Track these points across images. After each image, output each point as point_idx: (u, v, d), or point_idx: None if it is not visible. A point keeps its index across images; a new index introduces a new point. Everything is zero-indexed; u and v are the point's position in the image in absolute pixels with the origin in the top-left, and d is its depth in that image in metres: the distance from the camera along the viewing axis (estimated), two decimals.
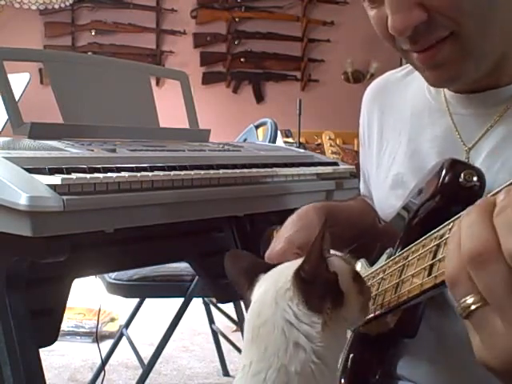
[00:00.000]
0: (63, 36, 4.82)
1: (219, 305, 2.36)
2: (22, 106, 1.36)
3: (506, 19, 0.69)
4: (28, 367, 1.14)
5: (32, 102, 1.88)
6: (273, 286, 0.58)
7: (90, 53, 4.44)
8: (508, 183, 0.44)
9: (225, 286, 1.64)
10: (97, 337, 2.45)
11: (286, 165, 1.47)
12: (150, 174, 1.10)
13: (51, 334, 1.28)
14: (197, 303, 2.28)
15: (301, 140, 3.57)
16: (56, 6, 4.71)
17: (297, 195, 1.42)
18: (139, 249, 1.50)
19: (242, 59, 4.98)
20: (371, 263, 0.78)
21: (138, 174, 1.08)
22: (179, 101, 1.70)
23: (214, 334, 2.45)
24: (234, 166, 1.32)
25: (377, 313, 0.66)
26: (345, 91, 4.81)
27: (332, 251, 0.62)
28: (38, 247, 0.98)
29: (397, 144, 0.87)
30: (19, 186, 0.92)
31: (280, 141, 2.79)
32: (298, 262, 0.58)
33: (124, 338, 2.19)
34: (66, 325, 2.78)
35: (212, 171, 1.24)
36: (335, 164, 1.65)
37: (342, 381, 0.76)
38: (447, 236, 0.52)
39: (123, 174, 1.06)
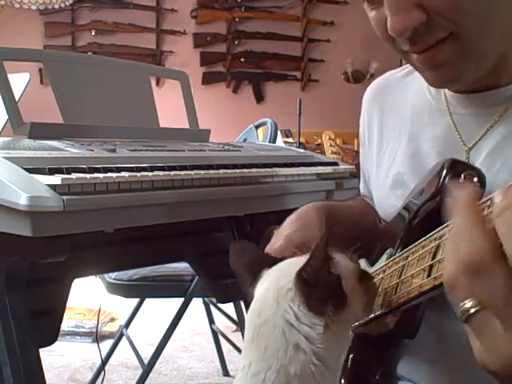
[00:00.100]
0: (63, 36, 4.82)
1: (219, 305, 2.36)
2: (22, 105, 1.36)
3: (505, 19, 0.69)
4: (28, 367, 1.14)
5: (32, 102, 1.88)
6: (275, 285, 0.57)
7: (90, 53, 4.44)
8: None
9: (225, 286, 1.64)
10: (97, 337, 2.45)
11: (286, 165, 1.47)
12: (150, 174, 1.10)
13: (51, 334, 1.28)
14: (197, 303, 2.28)
15: (301, 140, 3.57)
16: (56, 6, 4.71)
17: (297, 195, 1.42)
18: (139, 249, 1.50)
19: (241, 59, 4.99)
20: (371, 263, 0.78)
21: (138, 174, 1.08)
22: (179, 101, 1.70)
23: (214, 334, 2.45)
24: (234, 166, 1.32)
25: (377, 313, 0.66)
26: (345, 91, 4.81)
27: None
28: (38, 247, 0.98)
29: (397, 144, 0.87)
30: (19, 186, 0.92)
31: (280, 141, 2.79)
32: (303, 259, 0.57)
33: (124, 338, 2.19)
34: (65, 325, 2.78)
35: (212, 171, 1.24)
36: (335, 164, 1.65)
37: (342, 381, 0.76)
38: (447, 237, 0.52)
39: (123, 173, 1.06)
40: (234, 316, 2.29)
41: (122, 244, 1.40)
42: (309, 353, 0.54)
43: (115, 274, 1.92)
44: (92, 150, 1.21)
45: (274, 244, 0.79)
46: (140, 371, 1.96)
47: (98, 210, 1.01)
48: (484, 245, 0.41)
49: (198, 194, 1.19)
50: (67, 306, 1.33)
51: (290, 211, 0.85)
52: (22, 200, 0.90)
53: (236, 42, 4.98)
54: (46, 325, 1.27)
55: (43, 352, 1.23)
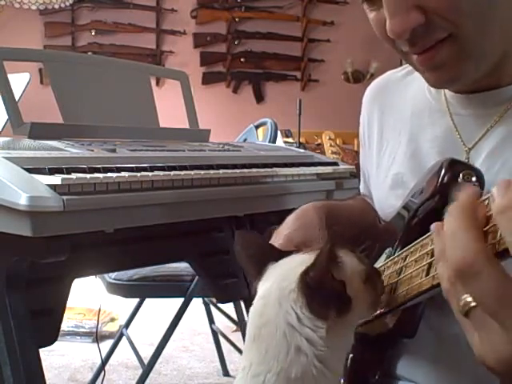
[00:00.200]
0: (63, 36, 4.82)
1: (219, 305, 2.36)
2: (22, 106, 1.36)
3: (505, 17, 0.68)
4: (28, 367, 1.14)
5: (32, 102, 1.88)
6: (278, 285, 0.56)
7: (90, 53, 4.44)
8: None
9: (225, 286, 1.64)
10: (97, 337, 2.45)
11: (286, 165, 1.47)
12: (150, 174, 1.10)
13: (51, 334, 1.28)
14: (197, 303, 2.28)
15: (301, 140, 3.57)
16: (56, 6, 4.71)
17: (297, 195, 1.42)
18: (139, 249, 1.50)
19: (242, 59, 4.99)
20: (371, 263, 0.78)
21: (138, 174, 1.08)
22: (179, 101, 1.70)
23: (214, 334, 2.45)
24: (234, 166, 1.32)
25: (376, 313, 0.66)
26: (345, 91, 4.81)
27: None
28: (38, 247, 0.98)
29: (397, 144, 0.87)
30: (19, 186, 0.92)
31: (280, 141, 2.79)
32: (308, 258, 0.57)
33: (124, 338, 2.19)
34: (65, 325, 2.78)
35: (212, 171, 1.24)
36: (335, 164, 1.65)
37: (342, 381, 0.76)
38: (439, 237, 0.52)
39: (123, 173, 1.06)
40: (234, 316, 2.29)
41: (122, 244, 1.40)
42: (310, 356, 0.53)
43: (115, 274, 1.92)
44: (92, 150, 1.21)
45: (274, 244, 0.79)
46: (140, 371, 1.96)
47: (97, 210, 1.01)
48: (474, 249, 0.41)
49: (198, 194, 1.19)
50: (67, 306, 1.33)
51: (290, 211, 0.85)
52: (22, 200, 0.90)
53: (236, 42, 4.98)
54: (46, 325, 1.27)
55: (43, 352, 1.23)
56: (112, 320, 2.94)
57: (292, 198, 1.40)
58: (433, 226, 0.48)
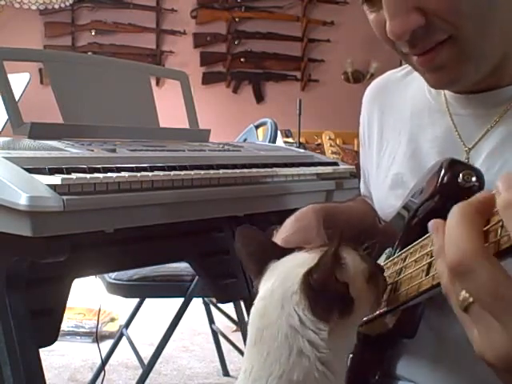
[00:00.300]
0: (63, 36, 4.82)
1: (219, 305, 2.36)
2: (22, 106, 1.36)
3: (505, 19, 0.68)
4: (28, 367, 1.14)
5: (32, 102, 1.88)
6: (280, 286, 0.56)
7: (90, 53, 4.45)
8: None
9: (225, 286, 1.64)
10: (97, 337, 2.45)
11: (286, 165, 1.47)
12: (150, 174, 1.10)
13: (51, 334, 1.28)
14: (197, 303, 2.28)
15: (301, 140, 3.57)
16: (56, 6, 4.71)
17: (297, 195, 1.42)
18: (139, 249, 1.50)
19: (242, 59, 4.99)
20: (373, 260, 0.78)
21: (138, 174, 1.08)
22: (179, 101, 1.70)
23: (214, 334, 2.45)
24: (234, 166, 1.32)
25: (376, 313, 0.66)
26: (345, 91, 4.81)
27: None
28: (38, 247, 0.98)
29: (397, 144, 0.87)
30: (19, 186, 0.93)
31: (280, 141, 2.79)
32: (310, 256, 0.56)
33: (124, 338, 2.19)
34: (66, 325, 2.78)
35: (212, 171, 1.24)
36: (335, 164, 1.65)
37: None
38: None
39: (123, 173, 1.06)
40: (234, 316, 2.29)
41: (122, 244, 1.40)
42: (312, 358, 0.53)
43: (115, 274, 1.92)
44: (92, 150, 1.21)
45: None
46: (140, 371, 1.96)
47: (98, 210, 1.01)
48: (469, 246, 0.41)
49: (198, 194, 1.19)
50: (67, 305, 1.33)
51: (290, 211, 0.85)
52: (22, 200, 0.90)
53: (236, 42, 4.98)
54: (46, 325, 1.27)
55: (43, 352, 1.23)
56: (112, 320, 2.94)
57: (292, 198, 1.41)
58: (430, 224, 0.48)
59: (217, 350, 2.47)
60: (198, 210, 1.22)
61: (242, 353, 2.13)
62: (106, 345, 2.29)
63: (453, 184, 0.65)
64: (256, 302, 0.58)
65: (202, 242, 1.64)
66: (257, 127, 2.21)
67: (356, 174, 1.56)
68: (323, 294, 0.53)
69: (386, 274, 0.67)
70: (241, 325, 2.23)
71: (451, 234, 0.43)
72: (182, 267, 1.90)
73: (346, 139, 4.27)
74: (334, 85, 5.00)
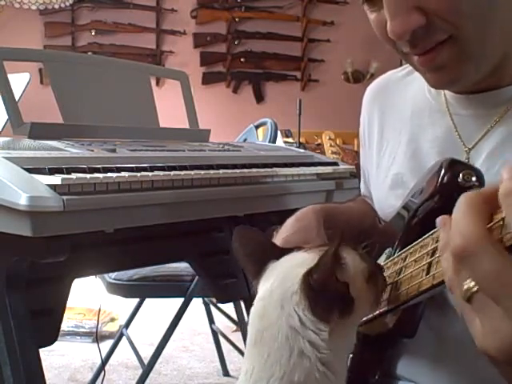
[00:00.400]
0: (63, 36, 4.82)
1: (219, 305, 2.36)
2: (22, 105, 1.36)
3: (506, 19, 0.68)
4: (28, 367, 1.14)
5: (32, 102, 1.88)
6: (279, 286, 0.55)
7: (90, 53, 4.45)
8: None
9: (225, 286, 1.64)
10: (97, 337, 2.45)
11: (286, 165, 1.47)
12: (150, 174, 1.10)
13: (51, 334, 1.28)
14: (197, 303, 2.28)
15: (301, 140, 3.57)
16: (56, 6, 4.71)
17: (297, 195, 1.42)
18: (139, 249, 1.50)
19: (242, 59, 4.99)
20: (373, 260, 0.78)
21: (138, 174, 1.08)
22: (179, 101, 1.70)
23: (214, 334, 2.45)
24: (234, 166, 1.32)
25: (376, 313, 0.66)
26: (345, 91, 4.81)
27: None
28: (38, 247, 0.98)
29: (397, 144, 0.87)
30: (19, 186, 0.93)
31: (280, 141, 2.79)
32: (310, 256, 0.56)
33: (124, 338, 2.19)
34: (66, 325, 2.78)
35: (212, 171, 1.24)
36: (335, 164, 1.65)
37: None
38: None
39: (123, 173, 1.06)
40: (234, 316, 2.29)
41: (122, 244, 1.40)
42: (313, 359, 0.52)
43: (115, 274, 1.92)
44: (92, 150, 1.21)
45: None
46: (140, 371, 1.96)
47: (98, 210, 1.01)
48: (474, 232, 0.41)
49: (198, 194, 1.19)
50: (67, 305, 1.33)
51: (290, 211, 0.85)
52: (22, 200, 0.90)
53: (236, 42, 4.98)
54: (46, 325, 1.27)
55: (43, 352, 1.23)
56: (112, 320, 2.94)
57: (292, 198, 1.41)
58: (439, 219, 0.48)
59: (217, 350, 2.47)
60: (198, 210, 1.22)
61: (242, 353, 2.13)
62: (106, 345, 2.29)
63: (453, 184, 0.65)
64: (255, 302, 0.58)
65: (201, 241, 1.64)
66: (257, 127, 2.21)
67: (356, 174, 1.56)
68: (323, 294, 0.53)
69: (386, 274, 0.67)
70: (241, 325, 2.23)
71: (457, 223, 0.43)
72: (182, 267, 1.90)
73: (346, 139, 4.27)
74: (334, 85, 5.00)
